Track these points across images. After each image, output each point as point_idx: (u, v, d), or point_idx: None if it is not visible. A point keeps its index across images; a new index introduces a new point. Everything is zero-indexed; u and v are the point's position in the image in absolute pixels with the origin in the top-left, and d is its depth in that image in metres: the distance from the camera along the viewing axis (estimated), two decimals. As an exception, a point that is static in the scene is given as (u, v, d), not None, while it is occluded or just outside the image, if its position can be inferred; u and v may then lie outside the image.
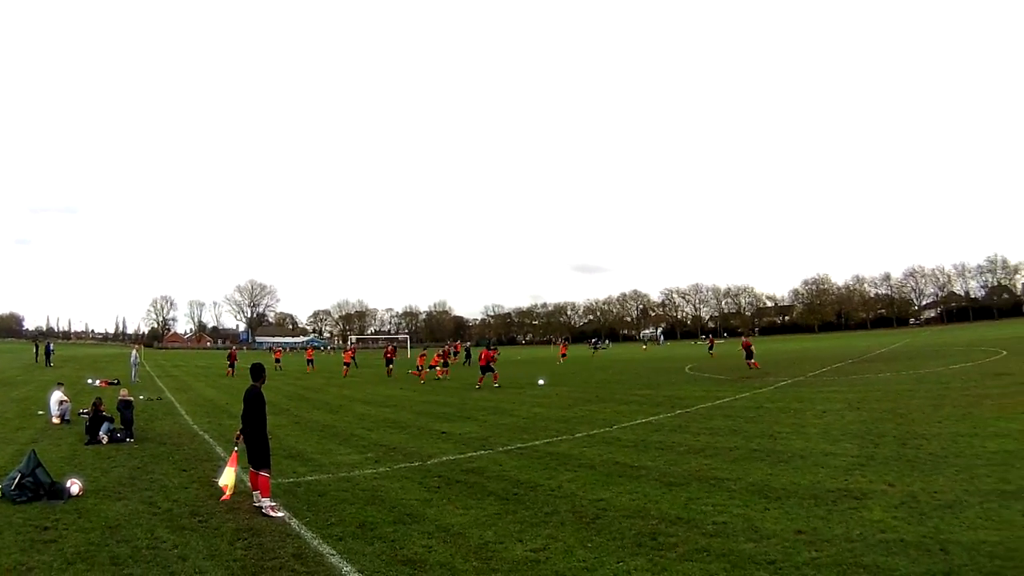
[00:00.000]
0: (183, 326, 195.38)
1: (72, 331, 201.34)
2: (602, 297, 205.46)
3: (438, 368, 40.17)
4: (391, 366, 44.48)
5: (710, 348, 63.20)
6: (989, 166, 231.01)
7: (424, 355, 43.47)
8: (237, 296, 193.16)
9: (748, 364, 38.39)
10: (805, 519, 8.69)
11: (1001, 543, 7.31)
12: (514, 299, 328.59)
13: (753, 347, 41.12)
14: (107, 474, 12.63)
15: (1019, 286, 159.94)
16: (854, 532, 8.03)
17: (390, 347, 51.05)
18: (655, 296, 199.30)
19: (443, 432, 17.79)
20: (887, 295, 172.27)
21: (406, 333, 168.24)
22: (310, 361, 56.35)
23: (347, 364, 47.04)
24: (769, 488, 10.45)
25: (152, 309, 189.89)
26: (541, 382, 34.68)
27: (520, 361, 62.67)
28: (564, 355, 65.24)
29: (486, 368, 32.90)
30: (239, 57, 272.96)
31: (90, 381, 35.71)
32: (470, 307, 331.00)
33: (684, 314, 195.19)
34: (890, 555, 7.19)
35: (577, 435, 16.64)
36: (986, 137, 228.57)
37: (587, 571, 7.14)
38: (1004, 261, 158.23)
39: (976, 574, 6.58)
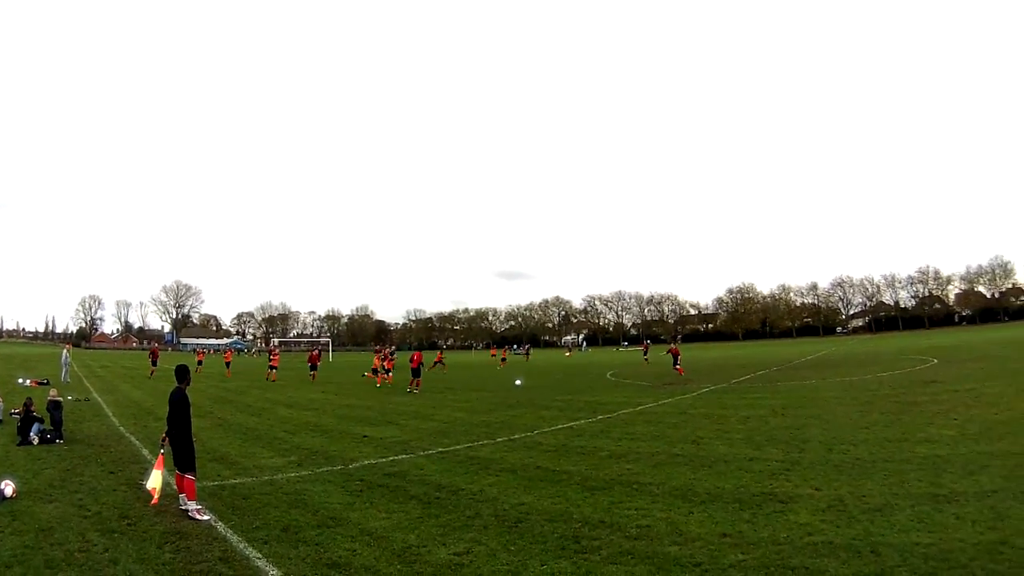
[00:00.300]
0: (110, 326, 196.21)
1: (4, 329, 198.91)
2: (524, 303, 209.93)
3: (380, 374, 39.88)
4: (315, 371, 43.89)
5: (645, 354, 64.38)
6: (919, 181, 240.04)
7: (394, 357, 43.82)
8: (163, 297, 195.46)
9: (675, 370, 39.64)
10: (730, 522, 8.78)
11: (935, 545, 7.43)
12: (436, 304, 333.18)
13: (680, 354, 42.36)
14: (38, 476, 12.75)
15: (951, 297, 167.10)
16: (780, 535, 8.11)
17: (315, 351, 50.81)
18: (577, 303, 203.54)
19: (364, 436, 18.02)
20: (814, 304, 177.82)
21: (328, 337, 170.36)
22: (228, 364, 55.52)
23: (273, 368, 46.30)
24: (692, 492, 10.57)
25: (81, 308, 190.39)
26: (518, 382, 36.41)
27: (448, 365, 62.66)
28: (504, 360, 65.70)
29: (416, 372, 33.20)
30: (169, 52, 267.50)
31: (21, 381, 36.41)
32: (392, 311, 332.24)
33: (606, 321, 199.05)
34: (819, 557, 7.26)
35: (498, 440, 16.90)
36: (917, 152, 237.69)
37: (511, 574, 7.27)
38: (936, 272, 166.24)
39: (909, 575, 6.68)
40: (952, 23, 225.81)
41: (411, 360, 34.31)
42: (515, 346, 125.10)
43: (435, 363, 51.84)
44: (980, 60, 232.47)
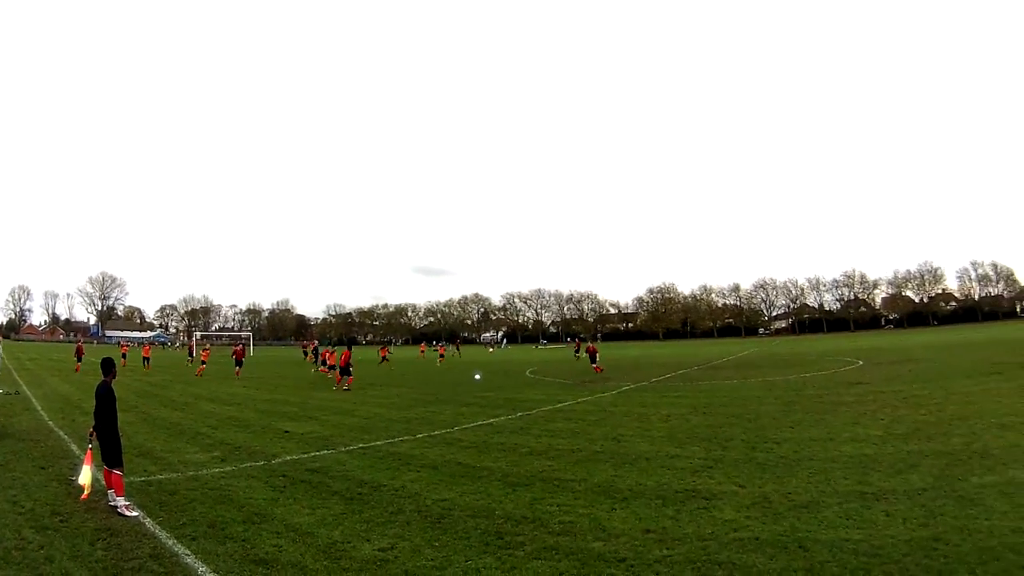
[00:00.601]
0: (38, 317, 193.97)
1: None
2: (443, 299, 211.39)
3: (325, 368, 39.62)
4: (240, 367, 43.55)
5: (576, 351, 65.32)
6: (845, 186, 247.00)
7: (333, 352, 42.88)
8: (89, 288, 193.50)
9: (593, 368, 40.36)
10: (654, 519, 8.93)
11: (865, 541, 7.64)
12: (357, 299, 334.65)
13: (597, 352, 43.09)
14: (-29, 471, 12.86)
15: (878, 301, 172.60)
16: (706, 531, 8.26)
17: (239, 346, 50.57)
18: (496, 300, 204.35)
19: (286, 431, 18.30)
20: (736, 305, 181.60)
21: (249, 331, 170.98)
22: (146, 359, 53.44)
23: (204, 363, 45.76)
24: (615, 489, 10.74)
25: (11, 299, 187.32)
26: (477, 377, 37.30)
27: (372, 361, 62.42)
28: (443, 356, 65.76)
29: (345, 370, 33.11)
30: (90, 35, 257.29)
31: None
32: (313, 306, 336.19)
33: (526, 319, 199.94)
34: (746, 552, 7.42)
35: (418, 436, 17.21)
36: (842, 159, 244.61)
37: (436, 570, 7.38)
38: (862, 276, 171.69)
39: (840, 570, 6.85)
40: (889, 28, 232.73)
41: (341, 359, 34.21)
42: (457, 342, 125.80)
43: (382, 359, 51.16)
44: (916, 67, 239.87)
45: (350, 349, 35.76)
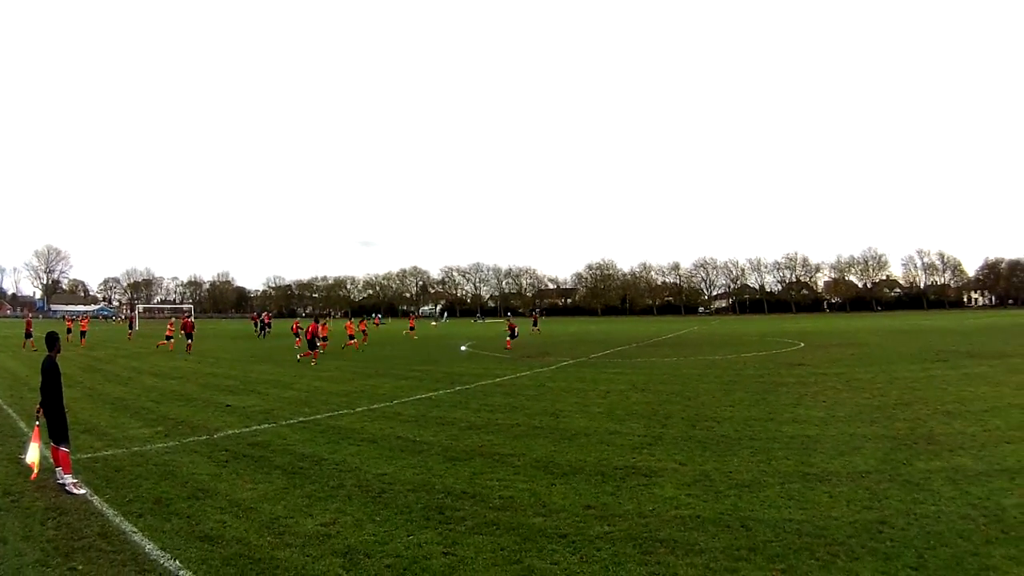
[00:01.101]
0: None
1: None
2: (382, 272, 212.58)
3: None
4: (191, 340, 42.78)
5: (535, 324, 65.61)
6: (790, 170, 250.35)
7: (351, 322, 43.91)
8: (35, 261, 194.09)
9: (505, 343, 42.07)
10: (594, 495, 8.96)
11: (808, 522, 7.69)
12: (297, 272, 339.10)
13: (517, 328, 44.65)
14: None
15: (820, 284, 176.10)
16: (646, 508, 8.29)
17: (188, 318, 50.23)
18: (435, 273, 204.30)
19: (228, 405, 18.34)
20: (675, 284, 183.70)
21: (190, 303, 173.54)
22: (83, 333, 52.72)
23: (170, 337, 45.57)
24: (554, 464, 10.77)
25: None
26: (463, 348, 38.13)
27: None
28: (412, 328, 64.41)
29: (312, 343, 33.16)
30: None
31: None
32: (253, 279, 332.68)
33: (464, 292, 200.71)
34: (687, 530, 7.44)
35: (358, 409, 17.29)
36: (789, 142, 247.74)
37: (378, 544, 7.41)
38: (805, 259, 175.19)
39: (783, 550, 6.87)
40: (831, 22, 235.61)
41: (307, 332, 34.37)
42: (377, 316, 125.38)
43: (350, 338, 44.14)
44: (870, 53, 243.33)
45: (317, 322, 35.93)
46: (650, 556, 6.78)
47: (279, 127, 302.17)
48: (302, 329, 39.93)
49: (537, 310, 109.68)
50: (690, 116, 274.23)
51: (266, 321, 68.00)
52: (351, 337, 41.82)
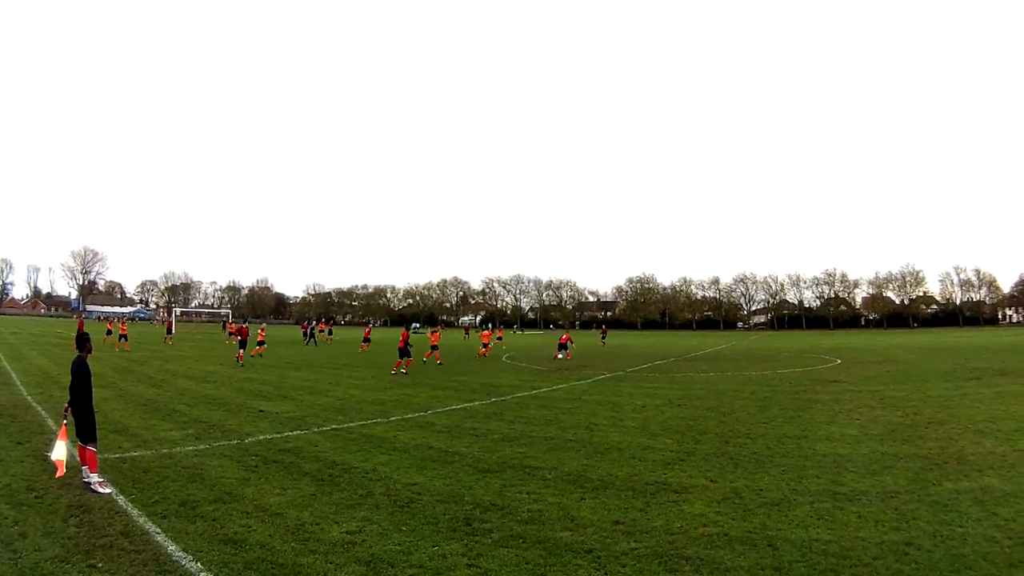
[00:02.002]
0: (20, 291, 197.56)
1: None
2: (422, 282, 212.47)
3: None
4: (243, 349, 41.66)
5: (603, 338, 67.24)
6: (829, 186, 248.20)
7: (488, 332, 44.80)
8: (71, 262, 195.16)
9: (555, 356, 42.06)
10: (622, 510, 8.88)
11: (835, 542, 7.58)
12: (336, 280, 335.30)
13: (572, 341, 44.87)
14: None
15: (858, 300, 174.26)
16: (674, 525, 8.21)
17: (243, 325, 48.84)
18: (476, 284, 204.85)
19: (260, 410, 18.42)
20: (715, 298, 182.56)
21: (228, 308, 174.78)
22: (124, 336, 49.41)
23: (261, 343, 44.53)
24: (585, 479, 10.70)
25: None
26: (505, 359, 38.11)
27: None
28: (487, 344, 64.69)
29: (404, 352, 32.51)
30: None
31: None
32: (292, 285, 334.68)
33: (504, 304, 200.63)
34: (714, 548, 7.36)
35: (391, 418, 17.28)
36: (829, 159, 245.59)
37: (403, 554, 7.36)
38: (843, 275, 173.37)
39: (809, 571, 6.79)
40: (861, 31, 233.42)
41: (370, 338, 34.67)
42: (490, 324, 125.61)
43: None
44: (909, 69, 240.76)
45: (408, 331, 35.79)
46: (675, 574, 6.72)
47: (322, 136, 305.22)
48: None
49: (604, 325, 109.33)
50: (733, 133, 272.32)
51: (320, 328, 67.65)
52: (485, 345, 42.37)
